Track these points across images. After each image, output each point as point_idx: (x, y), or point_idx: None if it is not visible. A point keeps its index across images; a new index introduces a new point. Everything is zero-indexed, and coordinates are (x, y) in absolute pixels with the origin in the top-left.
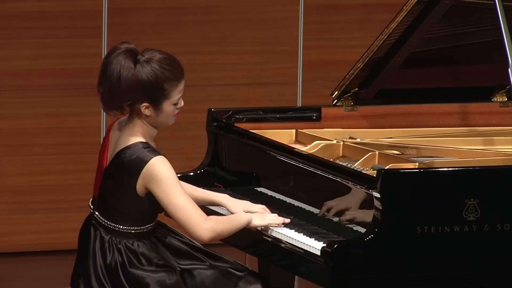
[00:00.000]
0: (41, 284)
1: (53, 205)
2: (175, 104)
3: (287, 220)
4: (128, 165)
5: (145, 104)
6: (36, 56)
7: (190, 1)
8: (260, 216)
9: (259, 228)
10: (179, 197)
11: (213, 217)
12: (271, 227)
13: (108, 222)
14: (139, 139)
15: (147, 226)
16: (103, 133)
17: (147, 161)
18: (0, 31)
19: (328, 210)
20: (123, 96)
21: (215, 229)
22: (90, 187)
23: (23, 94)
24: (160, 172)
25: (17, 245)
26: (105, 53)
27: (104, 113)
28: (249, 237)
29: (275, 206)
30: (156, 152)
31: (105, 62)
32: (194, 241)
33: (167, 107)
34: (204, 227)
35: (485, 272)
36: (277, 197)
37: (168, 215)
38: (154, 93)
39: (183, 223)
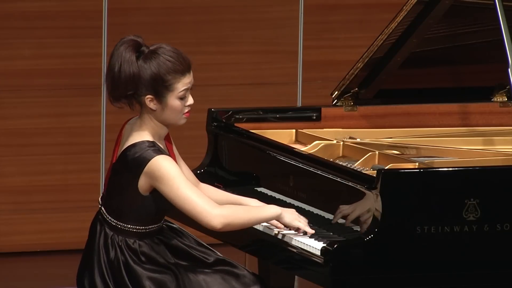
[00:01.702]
0: (41, 284)
1: (53, 205)
2: (182, 99)
3: (312, 231)
4: (131, 163)
5: (149, 96)
6: (36, 56)
7: (190, 1)
8: (294, 215)
9: (284, 227)
10: (183, 188)
11: (226, 205)
12: (295, 236)
13: (111, 219)
14: (146, 137)
15: (150, 227)
16: (103, 133)
17: (149, 160)
18: (0, 31)
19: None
20: (125, 85)
21: (226, 215)
22: (90, 187)
23: (23, 94)
24: (163, 168)
25: (17, 245)
26: (105, 53)
27: (104, 113)
28: (249, 236)
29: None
30: (160, 152)
31: (111, 53)
32: (200, 241)
33: (172, 101)
34: (213, 213)
35: (485, 272)
36: (277, 197)
37: (179, 211)
38: (157, 84)
39: (191, 213)
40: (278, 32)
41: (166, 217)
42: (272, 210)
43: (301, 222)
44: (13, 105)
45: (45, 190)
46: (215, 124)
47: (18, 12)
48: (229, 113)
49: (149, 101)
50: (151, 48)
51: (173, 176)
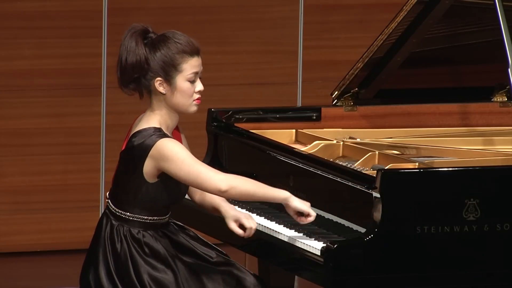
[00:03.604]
0: (41, 284)
1: (53, 205)
2: (191, 82)
3: (314, 214)
4: (136, 149)
5: (159, 79)
6: (36, 56)
7: (190, 1)
8: (301, 200)
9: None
10: (187, 161)
11: (232, 174)
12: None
13: (116, 209)
14: (153, 124)
15: (155, 218)
16: (103, 133)
17: (154, 143)
18: (0, 31)
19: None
20: (132, 67)
21: (232, 179)
22: (90, 187)
23: (23, 94)
24: (167, 148)
25: (17, 245)
26: (105, 53)
27: (104, 113)
28: (249, 237)
29: (275, 206)
30: (165, 136)
31: (121, 43)
32: (205, 240)
33: (182, 82)
34: (217, 177)
35: (484, 272)
36: None
37: (185, 213)
38: (165, 64)
39: (197, 182)
40: (278, 32)
41: (172, 218)
42: (282, 192)
43: (308, 207)
44: (13, 105)
45: (45, 190)
46: (215, 124)
47: (18, 12)
48: (229, 113)
49: (159, 84)
50: (159, 33)
51: (177, 151)
